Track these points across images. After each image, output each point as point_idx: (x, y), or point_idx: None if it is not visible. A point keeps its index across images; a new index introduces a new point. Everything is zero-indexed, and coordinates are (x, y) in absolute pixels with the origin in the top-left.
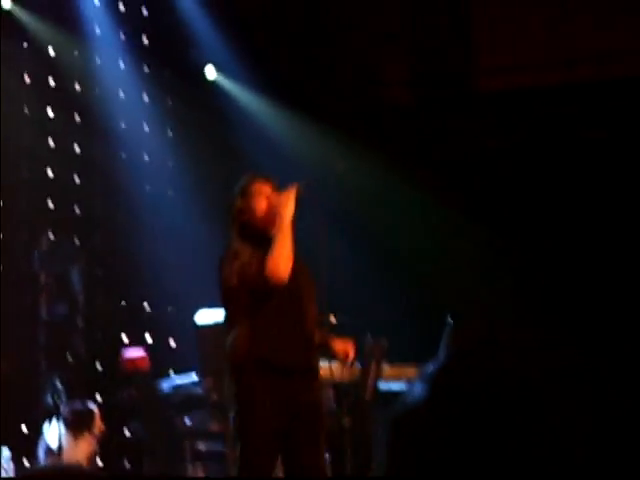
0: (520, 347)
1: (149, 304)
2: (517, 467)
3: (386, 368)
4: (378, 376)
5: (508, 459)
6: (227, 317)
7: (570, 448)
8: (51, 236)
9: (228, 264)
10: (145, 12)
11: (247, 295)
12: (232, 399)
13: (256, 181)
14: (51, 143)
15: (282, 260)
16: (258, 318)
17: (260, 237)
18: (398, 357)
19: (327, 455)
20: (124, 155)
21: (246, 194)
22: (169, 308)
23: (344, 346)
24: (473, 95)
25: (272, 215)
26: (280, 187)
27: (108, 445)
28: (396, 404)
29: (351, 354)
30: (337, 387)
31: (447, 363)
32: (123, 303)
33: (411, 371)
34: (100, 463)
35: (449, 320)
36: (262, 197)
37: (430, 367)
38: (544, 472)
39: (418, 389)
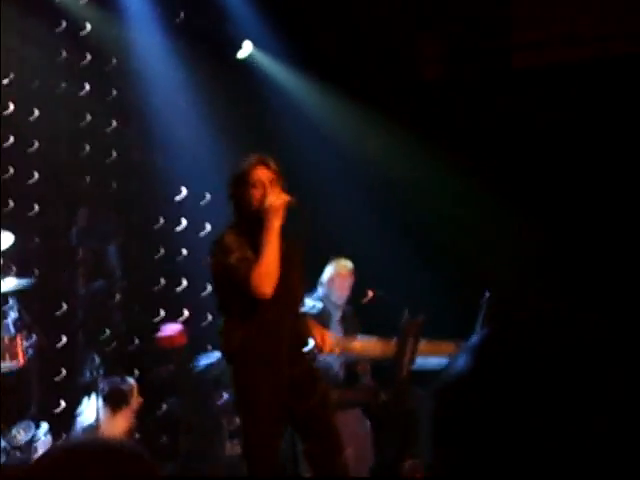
0: (563, 318)
1: (187, 280)
2: (565, 435)
3: (423, 344)
4: (414, 352)
5: (556, 428)
6: (218, 300)
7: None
8: (89, 212)
9: (220, 254)
10: None
11: (235, 291)
12: (231, 382)
13: (257, 167)
14: (88, 120)
15: (268, 276)
16: (250, 310)
17: (255, 227)
18: (435, 333)
19: (368, 424)
20: (159, 132)
21: (246, 180)
22: (206, 286)
23: (321, 335)
24: (509, 71)
25: (264, 211)
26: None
27: (145, 420)
28: (440, 375)
29: (326, 347)
30: (374, 363)
31: (491, 333)
32: (162, 281)
33: (448, 347)
34: (137, 438)
35: (486, 295)
36: (260, 186)
37: (474, 339)
38: (593, 441)
39: (462, 360)
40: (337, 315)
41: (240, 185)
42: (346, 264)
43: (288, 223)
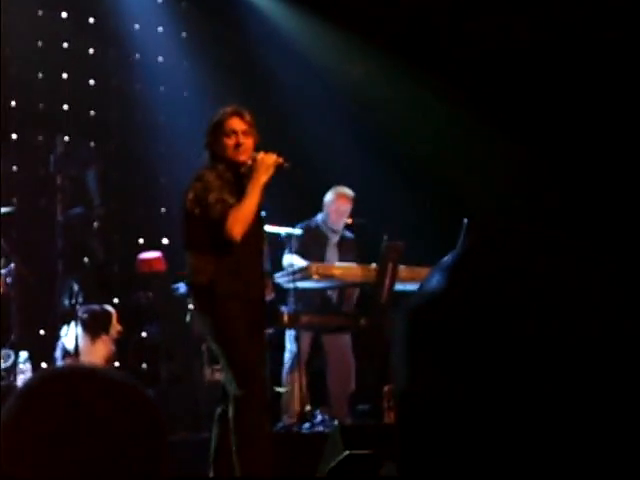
0: (540, 238)
1: (165, 207)
2: (534, 351)
3: (402, 269)
4: (394, 277)
5: (527, 345)
6: (186, 237)
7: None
8: (67, 138)
9: (195, 192)
10: None
11: (208, 226)
12: (203, 314)
13: (232, 117)
14: (65, 45)
15: (242, 222)
16: (222, 252)
17: (231, 171)
18: (414, 259)
19: (352, 357)
20: (138, 56)
21: (220, 128)
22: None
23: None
24: None
25: (242, 151)
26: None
27: (125, 347)
28: (413, 295)
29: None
30: (362, 288)
31: (465, 252)
32: (140, 209)
33: (427, 273)
34: (117, 365)
35: (465, 222)
36: (233, 135)
37: (447, 258)
38: (563, 356)
39: (435, 279)
40: (334, 239)
41: (215, 133)
42: (346, 190)
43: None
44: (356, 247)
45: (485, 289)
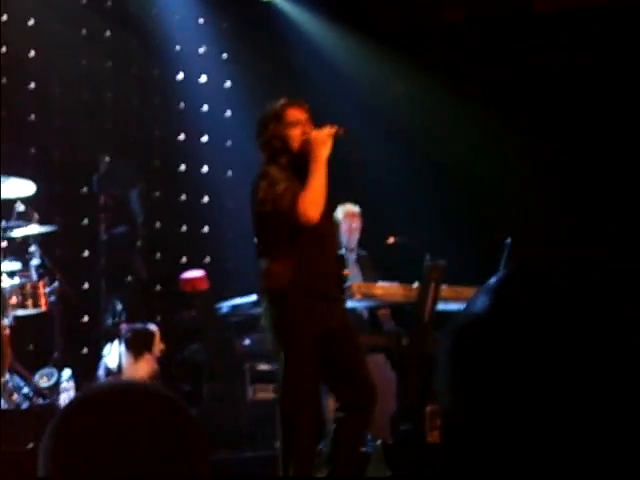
0: (586, 261)
1: (209, 227)
2: (585, 377)
3: (444, 289)
4: (436, 297)
5: (576, 369)
6: (261, 242)
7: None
8: (110, 158)
9: (262, 189)
10: None
11: (282, 223)
12: (271, 321)
13: (292, 107)
14: (110, 65)
15: (314, 201)
16: (297, 246)
17: (293, 164)
18: (456, 278)
19: (391, 369)
20: (182, 76)
21: (281, 120)
22: (229, 232)
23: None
24: (529, 14)
25: (306, 144)
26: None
27: (168, 366)
28: (458, 316)
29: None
30: (395, 307)
31: (509, 274)
32: (184, 228)
33: (469, 292)
34: (160, 383)
35: (508, 241)
36: (298, 125)
37: (492, 280)
38: (612, 383)
39: (480, 301)
40: (352, 258)
41: (276, 125)
42: (352, 207)
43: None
44: (374, 264)
45: (529, 313)
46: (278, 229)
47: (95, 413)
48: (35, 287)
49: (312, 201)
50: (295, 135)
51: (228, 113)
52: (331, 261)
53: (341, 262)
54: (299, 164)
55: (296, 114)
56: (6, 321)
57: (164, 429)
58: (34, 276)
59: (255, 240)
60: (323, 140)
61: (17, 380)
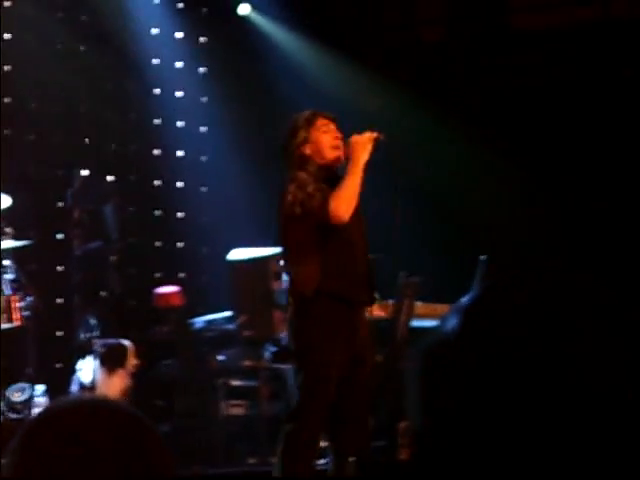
0: (554, 282)
1: (183, 242)
2: (547, 398)
3: (419, 306)
4: (410, 314)
5: (540, 390)
6: (289, 247)
7: (606, 382)
8: (85, 172)
9: (291, 192)
10: None
11: (311, 226)
12: (293, 330)
13: (322, 115)
14: (85, 79)
15: (347, 201)
16: (326, 251)
17: (322, 172)
18: (431, 295)
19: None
20: (158, 91)
21: (312, 127)
22: (203, 248)
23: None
24: (507, 32)
25: (336, 152)
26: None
27: (141, 381)
28: (429, 336)
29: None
30: (369, 324)
31: (480, 295)
32: (158, 243)
33: (443, 309)
34: (133, 399)
35: (482, 258)
36: (329, 133)
37: (463, 300)
38: (576, 404)
39: (451, 321)
40: None
41: (307, 129)
42: None
43: None
44: None
45: (496, 335)
46: (307, 232)
47: (59, 428)
48: (9, 301)
49: (344, 199)
50: (326, 141)
51: (204, 128)
52: (361, 265)
53: (372, 266)
54: (327, 173)
55: (327, 123)
56: None
57: (128, 446)
58: (8, 290)
59: (282, 247)
60: (363, 144)
61: None
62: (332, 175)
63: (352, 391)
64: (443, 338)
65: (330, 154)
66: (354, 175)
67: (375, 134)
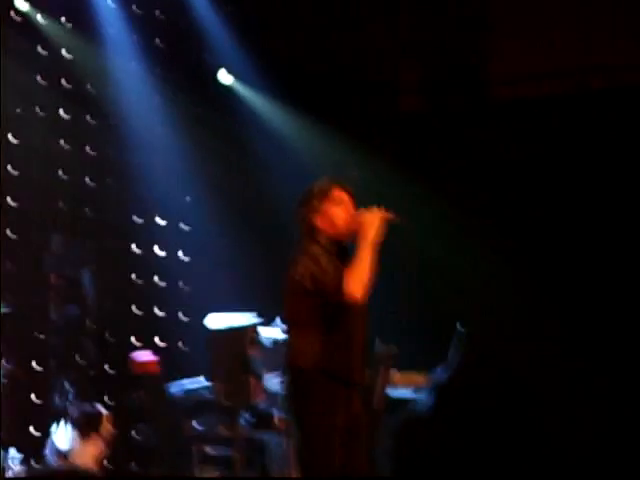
0: (527, 358)
1: (159, 308)
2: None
3: (395, 374)
4: (387, 382)
5: (514, 465)
6: (293, 319)
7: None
8: (62, 238)
9: (303, 264)
10: (159, 15)
11: (321, 302)
12: (289, 401)
13: (337, 187)
14: (64, 144)
15: (363, 282)
16: (329, 328)
17: (334, 246)
18: (407, 364)
19: None
20: (137, 157)
21: (326, 198)
22: (179, 313)
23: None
24: (488, 103)
25: (350, 226)
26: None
27: (116, 448)
28: (404, 411)
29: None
30: None
31: (454, 376)
32: (134, 308)
33: (420, 378)
34: (108, 466)
35: (459, 328)
36: (343, 205)
37: (438, 374)
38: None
39: (426, 397)
40: None
41: (320, 200)
42: None
43: None
44: None
45: (467, 415)
46: (315, 308)
47: None
48: None
49: (360, 281)
50: (339, 214)
51: (184, 196)
52: (359, 346)
53: (368, 347)
54: (341, 248)
55: (342, 194)
56: None
57: None
58: None
59: (285, 317)
60: (372, 222)
61: None
62: (342, 249)
63: (349, 462)
64: (418, 415)
65: (341, 229)
66: (363, 255)
67: (389, 215)
